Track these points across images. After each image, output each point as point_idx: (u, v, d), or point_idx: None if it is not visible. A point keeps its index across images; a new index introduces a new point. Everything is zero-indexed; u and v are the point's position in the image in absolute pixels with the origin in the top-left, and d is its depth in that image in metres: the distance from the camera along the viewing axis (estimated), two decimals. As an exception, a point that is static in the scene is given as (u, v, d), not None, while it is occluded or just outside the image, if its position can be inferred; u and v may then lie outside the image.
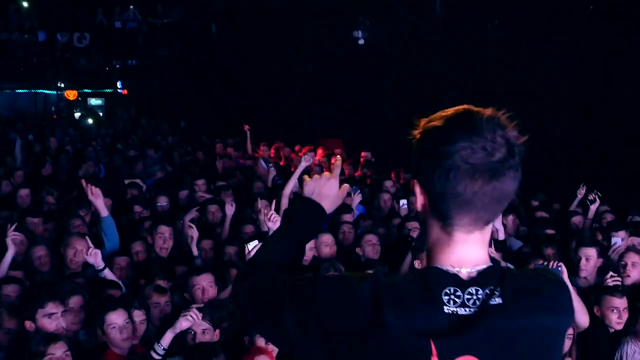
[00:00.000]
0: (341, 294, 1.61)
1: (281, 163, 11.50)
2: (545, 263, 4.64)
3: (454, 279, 1.59)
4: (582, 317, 4.34)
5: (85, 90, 23.04)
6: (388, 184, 8.87)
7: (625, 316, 4.53)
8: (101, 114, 24.93)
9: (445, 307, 1.56)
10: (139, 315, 4.42)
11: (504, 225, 6.32)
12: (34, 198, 7.87)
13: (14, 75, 21.14)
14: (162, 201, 7.87)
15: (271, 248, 1.91)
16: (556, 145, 8.72)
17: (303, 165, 7.48)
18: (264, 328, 1.86)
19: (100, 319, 4.25)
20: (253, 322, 1.94)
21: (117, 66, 22.06)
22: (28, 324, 4.23)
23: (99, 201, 5.88)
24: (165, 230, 5.99)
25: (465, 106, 1.61)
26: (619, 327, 4.53)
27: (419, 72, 11.16)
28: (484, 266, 1.61)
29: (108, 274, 5.16)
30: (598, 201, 6.92)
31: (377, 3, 11.89)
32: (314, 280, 1.68)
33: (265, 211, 5.18)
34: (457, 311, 1.55)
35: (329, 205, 1.96)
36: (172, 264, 5.82)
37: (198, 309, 4.22)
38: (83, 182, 6.02)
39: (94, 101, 26.78)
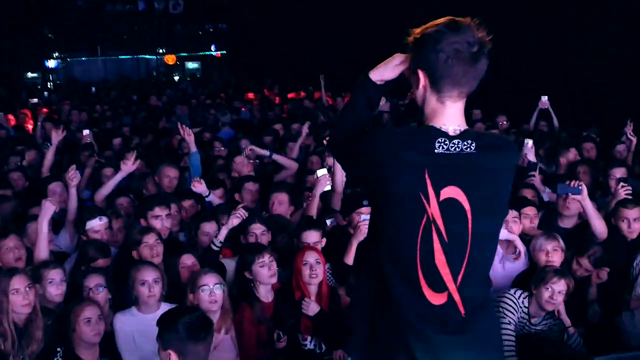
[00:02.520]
0: (374, 143, 2.36)
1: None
2: (569, 182, 5.15)
3: (445, 134, 2.29)
4: (599, 227, 4.92)
5: (182, 54, 24.66)
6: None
7: (635, 226, 4.93)
8: (198, 76, 26.65)
9: (436, 150, 2.27)
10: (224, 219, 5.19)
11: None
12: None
13: (119, 43, 23.01)
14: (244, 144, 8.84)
15: (344, 115, 2.60)
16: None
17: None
18: (344, 163, 2.68)
19: (195, 225, 5.19)
20: (339, 158, 2.74)
21: (211, 30, 23.53)
22: (142, 222, 5.15)
23: (191, 139, 6.78)
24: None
25: (450, 17, 2.30)
26: (631, 236, 4.93)
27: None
28: (464, 128, 2.32)
29: (213, 198, 5.91)
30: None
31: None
32: (368, 133, 2.42)
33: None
34: (443, 152, 2.28)
35: (378, 76, 2.50)
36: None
37: (249, 210, 5.07)
38: (180, 126, 6.96)
39: (191, 65, 28.55)
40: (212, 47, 25.25)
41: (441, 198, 2.31)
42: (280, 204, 5.63)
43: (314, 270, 4.31)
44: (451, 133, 2.31)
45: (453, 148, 2.29)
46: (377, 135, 2.38)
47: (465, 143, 2.30)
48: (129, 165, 5.93)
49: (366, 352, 2.55)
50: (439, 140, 2.29)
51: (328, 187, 5.49)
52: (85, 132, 8.69)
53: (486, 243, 2.39)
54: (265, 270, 4.34)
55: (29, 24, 21.09)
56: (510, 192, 2.47)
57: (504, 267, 4.94)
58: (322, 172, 5.52)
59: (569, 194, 5.11)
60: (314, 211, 5.39)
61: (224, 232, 4.83)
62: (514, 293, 4.38)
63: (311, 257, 4.35)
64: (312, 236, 4.73)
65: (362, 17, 15.63)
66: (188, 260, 4.59)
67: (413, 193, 2.29)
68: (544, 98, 8.91)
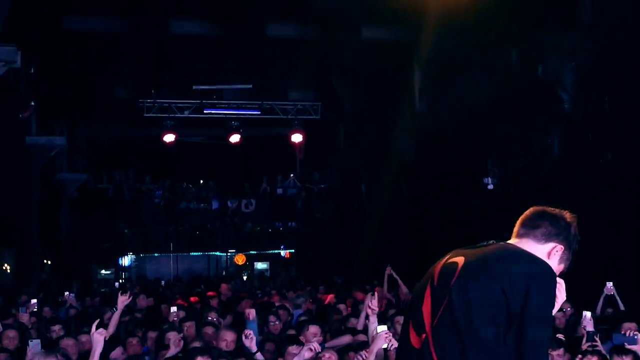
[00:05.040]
0: None
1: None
2: (624, 331, 5.45)
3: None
4: None
5: (252, 252, 25.19)
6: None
7: None
8: (267, 275, 26.96)
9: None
10: None
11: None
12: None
13: (191, 240, 23.79)
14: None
15: None
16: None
17: None
18: None
19: None
20: None
21: (280, 229, 24.20)
22: None
23: (251, 312, 7.31)
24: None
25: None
26: None
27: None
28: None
29: (259, 357, 6.16)
30: None
31: (501, 147, 12.94)
32: None
33: None
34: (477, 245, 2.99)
35: None
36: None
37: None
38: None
39: (260, 265, 29.00)
40: (281, 247, 25.79)
41: (447, 262, 2.92)
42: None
43: None
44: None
45: (485, 243, 2.95)
46: None
47: (493, 242, 2.96)
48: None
49: None
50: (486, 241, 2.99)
51: (385, 345, 5.39)
52: (173, 309, 8.77)
53: (462, 297, 2.70)
54: None
55: (105, 220, 22.20)
56: (487, 326, 2.64)
57: None
58: (381, 328, 5.45)
59: (625, 343, 5.15)
60: None
61: None
62: None
63: None
64: None
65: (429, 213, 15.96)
66: None
67: (434, 264, 2.98)
68: (609, 284, 8.96)
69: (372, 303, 6.17)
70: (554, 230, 2.91)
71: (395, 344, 5.72)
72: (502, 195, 13.10)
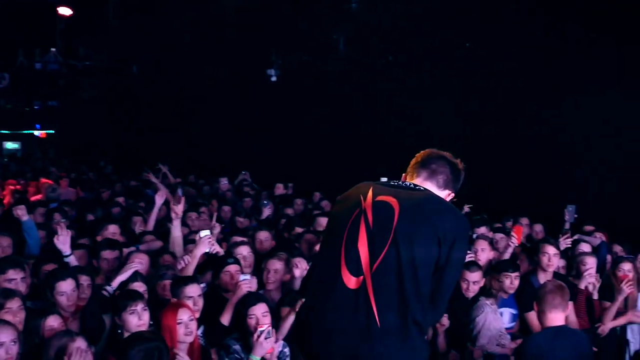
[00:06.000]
0: None
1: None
2: None
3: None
4: None
5: (3, 132, 23.07)
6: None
7: (474, 287, 5.51)
8: (18, 156, 24.98)
9: (391, 182, 3.05)
10: (85, 280, 4.91)
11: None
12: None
13: None
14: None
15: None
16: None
17: None
18: None
19: (51, 285, 4.68)
20: None
21: (37, 107, 22.36)
22: None
23: (23, 211, 6.45)
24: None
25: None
26: (469, 294, 5.51)
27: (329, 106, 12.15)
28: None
29: (73, 260, 5.49)
30: None
31: (286, 42, 12.98)
32: None
33: None
34: (394, 183, 3.03)
35: None
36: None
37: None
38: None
39: (10, 145, 26.72)
40: (37, 127, 23.89)
41: (376, 199, 2.90)
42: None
43: (189, 328, 4.28)
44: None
45: (403, 184, 3.03)
46: None
47: (413, 185, 3.03)
48: None
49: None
50: (396, 180, 3.08)
51: (208, 249, 5.38)
52: None
53: (408, 247, 2.75)
54: (135, 319, 4.23)
55: None
56: (427, 280, 2.80)
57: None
58: (204, 232, 5.45)
59: None
60: (191, 271, 5.25)
61: (118, 279, 4.91)
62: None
63: (185, 315, 4.30)
64: (194, 289, 4.70)
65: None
66: (54, 322, 4.29)
67: (356, 197, 2.95)
68: None
69: (178, 208, 6.12)
70: (452, 178, 3.10)
71: (218, 249, 5.64)
72: (284, 88, 13.26)
